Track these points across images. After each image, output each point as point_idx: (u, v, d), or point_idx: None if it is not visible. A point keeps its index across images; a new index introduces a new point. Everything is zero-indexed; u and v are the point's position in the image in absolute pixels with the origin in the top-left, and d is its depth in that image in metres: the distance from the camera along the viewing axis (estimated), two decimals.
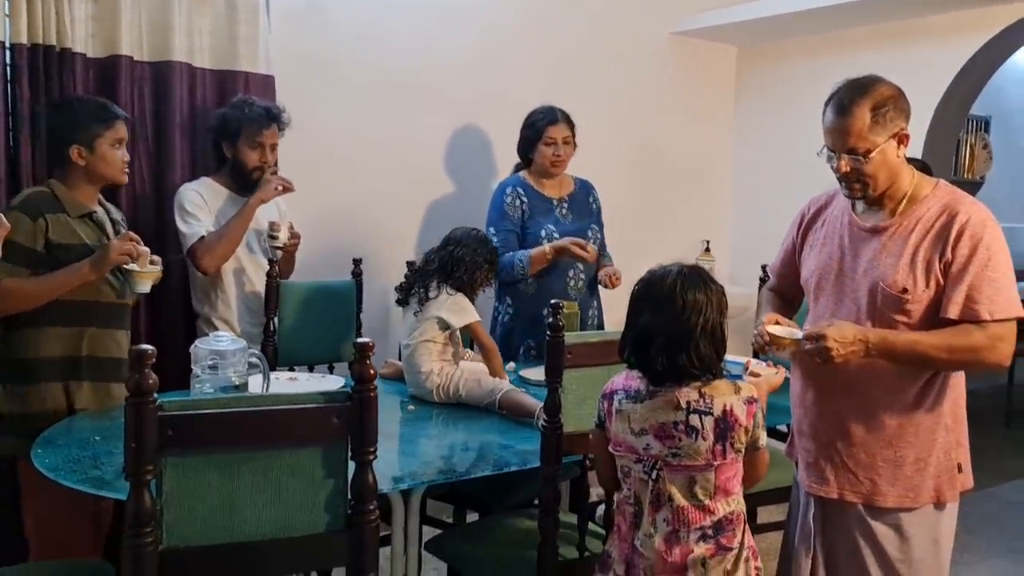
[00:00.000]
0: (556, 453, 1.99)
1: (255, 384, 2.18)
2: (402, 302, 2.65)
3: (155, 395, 1.33)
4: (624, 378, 1.80)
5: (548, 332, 2.01)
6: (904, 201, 1.94)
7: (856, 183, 1.92)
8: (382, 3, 3.51)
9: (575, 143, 3.26)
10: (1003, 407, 5.53)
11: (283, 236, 2.86)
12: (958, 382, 1.98)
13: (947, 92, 3.77)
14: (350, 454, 1.46)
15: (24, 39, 2.66)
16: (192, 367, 2.02)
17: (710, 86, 4.60)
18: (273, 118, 2.88)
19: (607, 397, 1.80)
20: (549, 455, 1.99)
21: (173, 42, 2.96)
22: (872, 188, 1.92)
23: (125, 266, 2.32)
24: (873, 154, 1.87)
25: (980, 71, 3.89)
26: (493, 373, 2.59)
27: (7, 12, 2.65)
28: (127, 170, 2.50)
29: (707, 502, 1.70)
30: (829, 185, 2.08)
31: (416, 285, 2.62)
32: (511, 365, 3.01)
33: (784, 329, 1.95)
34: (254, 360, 2.10)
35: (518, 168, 3.37)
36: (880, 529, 1.94)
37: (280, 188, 2.86)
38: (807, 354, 1.88)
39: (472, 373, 2.56)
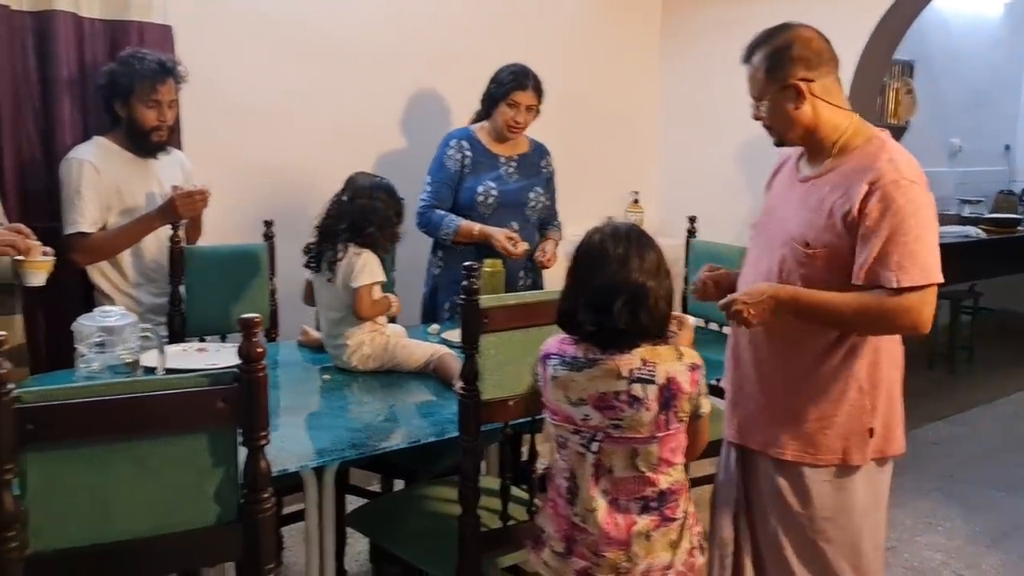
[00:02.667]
0: (474, 422, 1.91)
1: (151, 360, 2.04)
2: (314, 267, 2.49)
3: (11, 386, 1.19)
4: (559, 342, 1.71)
5: (462, 295, 1.90)
6: (834, 152, 1.88)
7: (768, 130, 1.93)
8: None
9: (539, 110, 3.15)
10: (925, 349, 5.65)
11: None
12: (883, 348, 1.90)
13: (872, 36, 3.73)
14: (241, 439, 1.34)
15: None
16: (76, 345, 1.87)
17: (635, 29, 4.49)
18: (168, 72, 2.67)
19: (543, 362, 1.72)
20: (468, 424, 1.91)
21: None
22: (777, 136, 1.93)
23: (14, 258, 2.10)
24: (763, 102, 1.88)
25: (904, 15, 3.86)
26: None
27: None
28: None
29: (649, 474, 1.64)
30: (758, 133, 2.02)
31: (325, 246, 2.45)
32: (434, 327, 2.92)
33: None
34: (148, 335, 1.96)
35: (475, 119, 3.24)
36: (782, 482, 1.93)
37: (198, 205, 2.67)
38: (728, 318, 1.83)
39: (402, 340, 2.45)
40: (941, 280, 1.77)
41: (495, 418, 1.97)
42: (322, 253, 2.46)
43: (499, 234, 2.99)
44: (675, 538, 1.68)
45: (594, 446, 1.64)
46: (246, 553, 1.37)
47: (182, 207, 2.62)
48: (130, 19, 2.89)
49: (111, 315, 1.86)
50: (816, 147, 1.90)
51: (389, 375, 2.41)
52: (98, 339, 1.83)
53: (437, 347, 2.45)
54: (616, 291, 1.61)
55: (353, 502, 2.58)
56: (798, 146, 1.95)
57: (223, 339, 2.84)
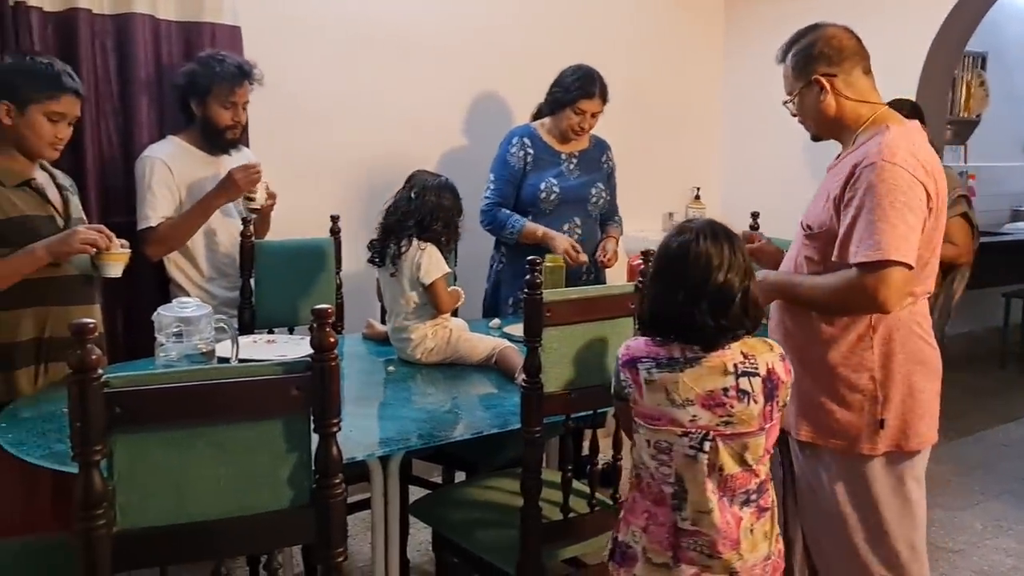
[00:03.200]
0: (537, 414, 1.93)
1: (225, 350, 2.11)
2: (377, 262, 2.54)
3: (100, 371, 1.25)
4: (644, 344, 1.66)
5: (525, 289, 1.93)
6: (853, 142, 1.97)
7: (803, 125, 2.07)
8: None
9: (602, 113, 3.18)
10: (998, 350, 5.50)
11: (260, 197, 2.76)
12: (898, 340, 1.92)
13: (942, 28, 3.65)
14: (313, 426, 1.39)
15: None
16: (156, 335, 1.94)
17: (697, 24, 4.46)
18: (246, 75, 2.76)
19: (630, 367, 1.65)
20: (530, 416, 1.93)
21: None
22: (810, 130, 2.06)
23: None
24: (792, 98, 2.03)
25: (975, 6, 3.76)
26: None
27: None
28: (59, 148, 2.28)
29: (755, 467, 1.63)
30: None
31: (389, 241, 2.49)
32: (496, 322, 2.96)
33: None
34: (222, 326, 2.03)
35: (536, 116, 3.27)
36: (803, 462, 2.02)
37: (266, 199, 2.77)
38: None
39: (465, 334, 2.50)
40: (899, 259, 1.77)
41: (557, 411, 1.99)
42: (385, 248, 2.50)
43: (562, 241, 3.03)
44: (768, 528, 1.68)
45: (706, 446, 1.58)
46: (317, 536, 1.42)
47: (241, 179, 2.69)
48: (203, 20, 2.99)
49: (188, 306, 1.94)
50: (844, 139, 2.01)
51: (452, 368, 2.46)
52: (176, 329, 1.90)
53: (499, 341, 2.49)
54: (732, 290, 1.59)
55: (415, 493, 2.63)
56: (830, 139, 2.06)
57: (290, 331, 2.92)
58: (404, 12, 3.50)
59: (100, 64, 2.81)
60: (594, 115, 3.13)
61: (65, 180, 2.41)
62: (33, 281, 2.17)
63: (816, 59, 1.96)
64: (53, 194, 2.31)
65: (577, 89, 3.08)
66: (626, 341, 1.72)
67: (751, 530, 1.63)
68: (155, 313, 1.96)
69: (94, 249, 2.16)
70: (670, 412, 1.60)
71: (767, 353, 1.64)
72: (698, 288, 1.58)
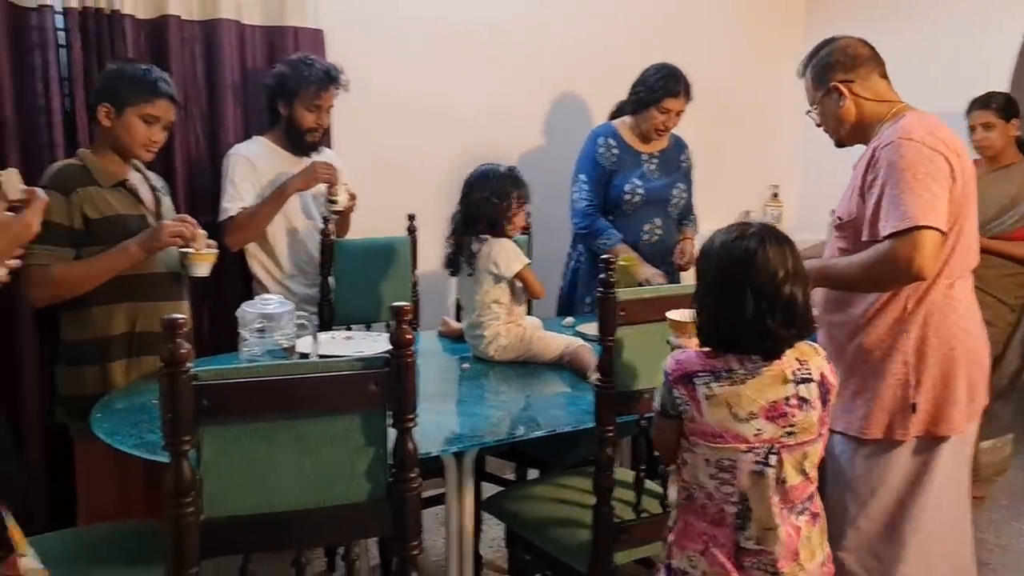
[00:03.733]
0: (610, 413, 1.93)
1: (306, 346, 2.17)
2: (453, 271, 2.57)
3: (189, 364, 1.31)
4: (697, 357, 1.58)
5: (599, 288, 1.93)
6: (877, 136, 2.01)
7: (827, 133, 2.16)
8: None
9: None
10: None
11: (342, 199, 2.83)
12: (933, 324, 1.95)
13: None
14: (390, 421, 1.42)
15: (75, 3, 2.66)
16: (240, 331, 2.01)
17: (777, 21, 4.37)
18: (332, 80, 2.84)
19: (684, 382, 1.56)
20: (603, 415, 1.93)
21: (221, 0, 2.92)
22: (833, 137, 2.15)
23: (180, 249, 2.28)
24: (814, 107, 2.14)
25: None
26: None
27: None
28: (152, 150, 2.37)
29: (811, 474, 1.59)
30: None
31: (457, 250, 2.53)
32: (569, 320, 2.97)
33: None
34: (303, 322, 2.08)
35: (615, 115, 3.26)
36: (831, 447, 2.05)
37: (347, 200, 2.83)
38: None
39: (538, 332, 2.51)
40: (929, 223, 1.80)
41: (630, 410, 1.99)
42: (456, 256, 2.54)
43: (647, 270, 3.01)
44: (820, 534, 1.65)
45: (772, 459, 1.53)
46: (393, 529, 1.45)
47: (320, 170, 2.78)
48: (286, 24, 3.07)
49: (271, 303, 2.00)
50: (868, 139, 2.05)
51: (525, 366, 2.47)
52: (259, 325, 1.97)
53: (572, 339, 2.49)
54: (799, 296, 1.54)
55: (488, 489, 2.66)
56: (853, 143, 2.12)
57: (367, 328, 2.98)
58: (483, 12, 3.53)
59: (188, 68, 2.91)
60: (678, 113, 3.11)
61: (157, 181, 2.52)
62: (124, 278, 2.26)
63: (833, 67, 2.07)
64: (146, 194, 2.41)
65: (662, 88, 3.07)
66: (671, 355, 1.63)
67: (808, 538, 1.60)
68: (239, 309, 2.03)
69: (182, 241, 2.24)
70: (734, 428, 1.53)
71: (816, 357, 1.60)
72: (771, 296, 1.51)
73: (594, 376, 1.98)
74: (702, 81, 3.29)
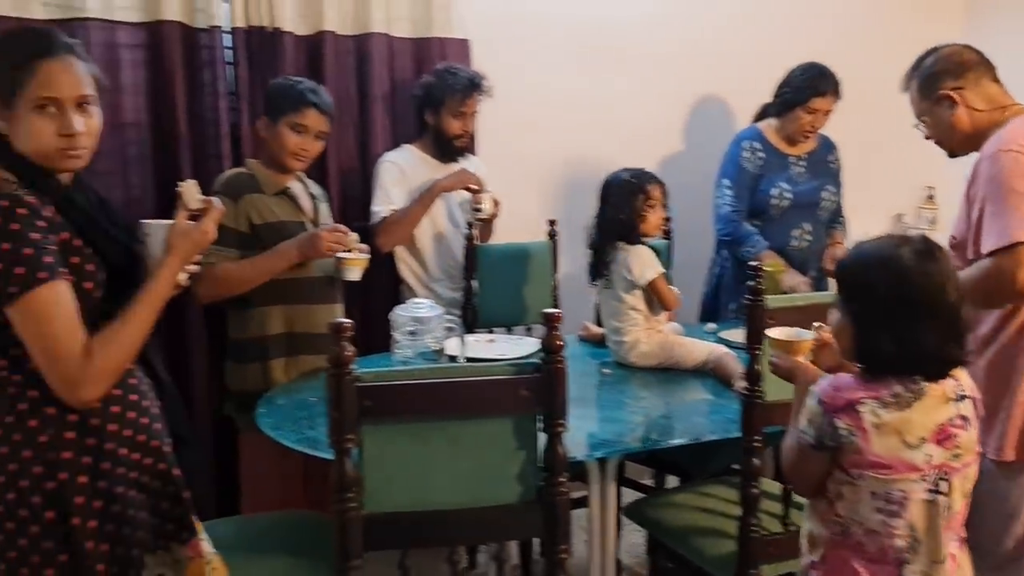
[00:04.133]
0: (758, 423, 1.89)
1: (453, 348, 2.23)
2: (594, 279, 2.60)
3: (353, 366, 1.38)
4: (855, 382, 1.46)
5: (747, 296, 1.90)
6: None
7: (939, 145, 2.14)
8: None
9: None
10: None
11: (487, 208, 2.90)
12: None
13: None
14: (541, 425, 1.45)
15: (242, 23, 2.84)
16: (392, 333, 2.09)
17: (934, 16, 4.15)
18: (476, 86, 2.91)
19: (848, 411, 1.43)
20: (750, 425, 1.90)
21: (373, 14, 3.03)
22: (946, 148, 2.13)
23: (336, 255, 2.38)
24: (923, 118, 2.11)
25: None
26: None
27: None
28: (302, 159, 2.49)
29: (967, 497, 1.51)
30: None
31: (596, 257, 2.56)
32: (711, 326, 2.93)
33: None
34: (451, 325, 2.15)
35: (760, 117, 3.21)
36: None
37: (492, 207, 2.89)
38: None
39: (679, 339, 2.50)
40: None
41: (777, 421, 1.94)
42: (595, 263, 2.57)
43: (792, 277, 2.92)
44: (967, 561, 1.57)
45: (943, 486, 1.45)
46: (543, 532, 1.48)
47: (462, 175, 2.87)
48: (433, 36, 3.16)
49: (421, 307, 2.07)
50: (981, 147, 1.99)
51: (666, 372, 2.45)
52: (410, 328, 2.04)
53: (715, 346, 2.46)
54: (965, 314, 1.46)
55: (626, 494, 2.65)
56: (968, 152, 2.07)
57: (509, 331, 3.04)
58: (625, 17, 3.52)
59: (341, 81, 3.05)
60: (826, 113, 3.02)
61: (316, 189, 2.66)
62: (283, 282, 2.40)
63: (940, 76, 2.03)
64: (306, 202, 2.55)
65: (809, 87, 2.98)
66: (826, 381, 1.49)
67: (961, 567, 1.52)
68: (392, 312, 2.12)
69: (341, 248, 2.35)
70: (905, 456, 1.43)
71: (962, 373, 1.51)
72: (947, 316, 1.42)
73: (740, 384, 1.95)
74: (852, 78, 3.18)
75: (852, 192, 3.30)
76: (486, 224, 3.01)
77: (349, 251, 2.38)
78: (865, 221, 3.84)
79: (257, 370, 2.43)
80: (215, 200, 1.65)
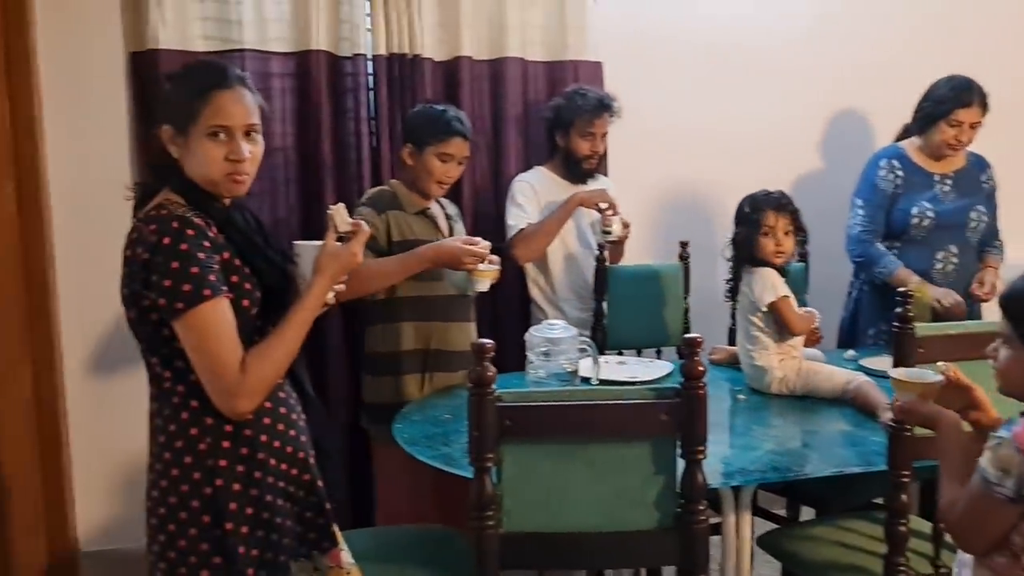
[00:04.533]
0: (907, 457, 1.81)
1: (586, 369, 2.23)
2: (729, 300, 2.57)
3: (494, 387, 1.40)
4: None
5: (896, 323, 1.82)
6: None
7: None
8: None
9: (982, 124, 2.93)
10: None
11: (616, 229, 2.90)
12: None
13: None
14: (679, 451, 1.43)
15: (383, 50, 2.96)
16: (527, 353, 2.12)
17: None
18: (605, 108, 2.93)
19: None
20: (899, 459, 1.81)
21: (508, 39, 3.10)
22: None
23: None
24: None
25: None
26: None
27: (368, 27, 2.95)
28: (445, 185, 2.56)
29: None
30: None
31: (731, 279, 2.53)
32: (851, 353, 2.82)
33: None
34: (584, 347, 2.15)
35: (902, 135, 3.10)
36: None
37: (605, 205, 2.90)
38: None
39: (816, 366, 2.41)
40: None
41: (927, 455, 1.85)
42: (732, 285, 2.54)
43: (939, 294, 2.81)
44: None
45: None
46: (681, 559, 1.46)
47: (588, 195, 2.88)
48: (566, 59, 3.20)
49: (555, 328, 2.09)
50: None
51: (803, 400, 2.38)
52: (544, 349, 2.06)
53: (855, 374, 2.36)
54: None
55: (758, 524, 2.57)
56: None
57: (638, 353, 3.01)
58: (759, 36, 3.46)
59: (477, 104, 3.12)
60: (972, 126, 2.87)
61: (452, 209, 2.74)
62: (418, 299, 2.48)
63: None
64: (443, 222, 2.64)
65: (951, 99, 2.85)
66: (1020, 427, 1.35)
67: None
68: (527, 333, 2.14)
69: (478, 261, 2.41)
70: None
71: None
72: None
73: (887, 416, 1.87)
74: (1006, 92, 3.01)
75: (1010, 213, 3.11)
76: (616, 246, 3.01)
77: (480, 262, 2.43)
78: None
79: (390, 383, 2.51)
80: (363, 224, 1.71)
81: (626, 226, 2.93)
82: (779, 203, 2.45)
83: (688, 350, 1.41)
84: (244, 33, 2.84)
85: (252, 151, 1.61)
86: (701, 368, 1.41)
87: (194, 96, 1.57)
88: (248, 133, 1.60)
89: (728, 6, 3.43)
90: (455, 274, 2.51)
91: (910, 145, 3.01)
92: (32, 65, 2.77)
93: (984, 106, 2.86)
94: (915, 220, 2.90)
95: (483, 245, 2.44)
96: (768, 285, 2.41)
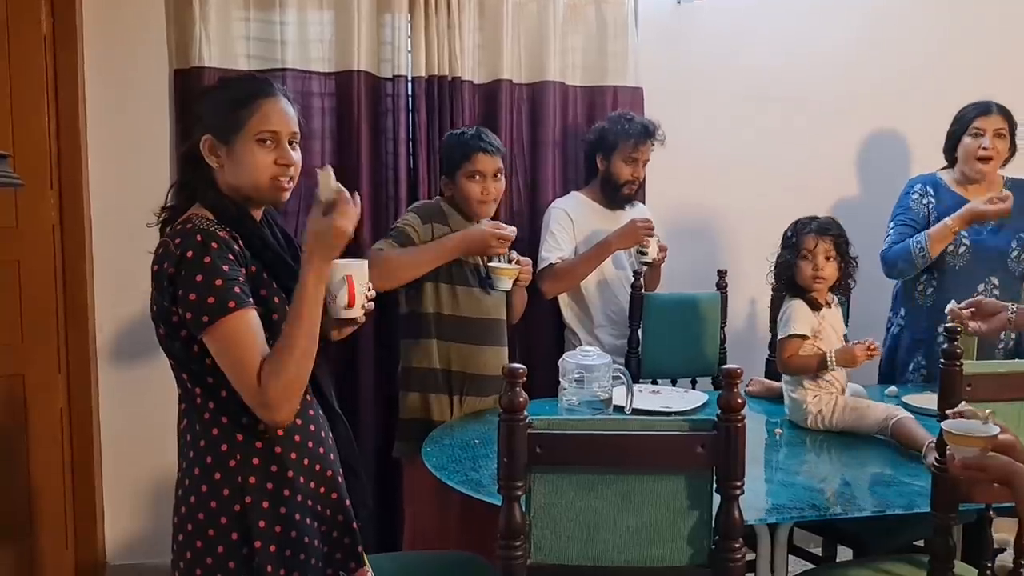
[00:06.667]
0: (951, 499, 1.74)
1: (620, 398, 2.19)
2: (772, 328, 2.51)
3: (526, 413, 1.37)
4: None
5: (942, 360, 1.76)
6: None
7: None
8: (750, 3, 3.37)
9: (1014, 143, 2.84)
10: None
11: (652, 251, 2.86)
12: None
13: None
14: (715, 486, 1.39)
15: (423, 71, 2.96)
16: (560, 379, 2.08)
17: None
18: (649, 134, 2.91)
19: None
20: (942, 501, 1.75)
21: (548, 63, 3.10)
22: None
23: (488, 263, 2.44)
24: None
25: None
26: None
27: (409, 48, 2.96)
28: (487, 201, 2.51)
29: None
30: None
31: (773, 307, 2.48)
32: (892, 389, 2.74)
33: None
34: (619, 375, 2.11)
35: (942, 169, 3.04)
36: None
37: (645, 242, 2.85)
38: None
39: (855, 401, 2.34)
40: None
41: (974, 498, 1.79)
42: (774, 313, 2.49)
43: (980, 206, 2.69)
44: None
45: None
46: None
47: (641, 229, 2.82)
48: (606, 84, 3.19)
49: (589, 354, 2.05)
50: None
51: (843, 436, 2.31)
52: (577, 375, 2.02)
53: (894, 409, 2.28)
54: None
55: (792, 563, 2.50)
56: None
57: (673, 383, 2.96)
58: (802, 61, 3.42)
59: (515, 127, 3.12)
60: (997, 134, 2.77)
61: None
62: (453, 319, 2.46)
63: None
64: None
65: (970, 110, 2.82)
66: None
67: None
68: (561, 359, 2.10)
69: (500, 247, 2.41)
70: None
71: None
72: None
73: (931, 457, 1.80)
74: None
75: None
76: (653, 270, 2.97)
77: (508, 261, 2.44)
78: None
79: (420, 401, 2.48)
80: (345, 191, 1.56)
81: (662, 249, 2.90)
82: (821, 226, 2.39)
83: (727, 381, 1.37)
84: (287, 53, 2.87)
85: (297, 159, 1.62)
86: (740, 400, 1.37)
87: (240, 104, 1.58)
88: (291, 142, 1.62)
89: (769, 36, 3.39)
90: (497, 300, 2.50)
91: (947, 175, 2.95)
92: (78, 79, 2.82)
93: (1005, 114, 2.79)
94: (951, 248, 2.81)
95: (510, 230, 2.44)
96: (787, 318, 2.37)
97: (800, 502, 1.84)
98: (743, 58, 3.38)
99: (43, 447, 2.85)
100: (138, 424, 2.94)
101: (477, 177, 2.50)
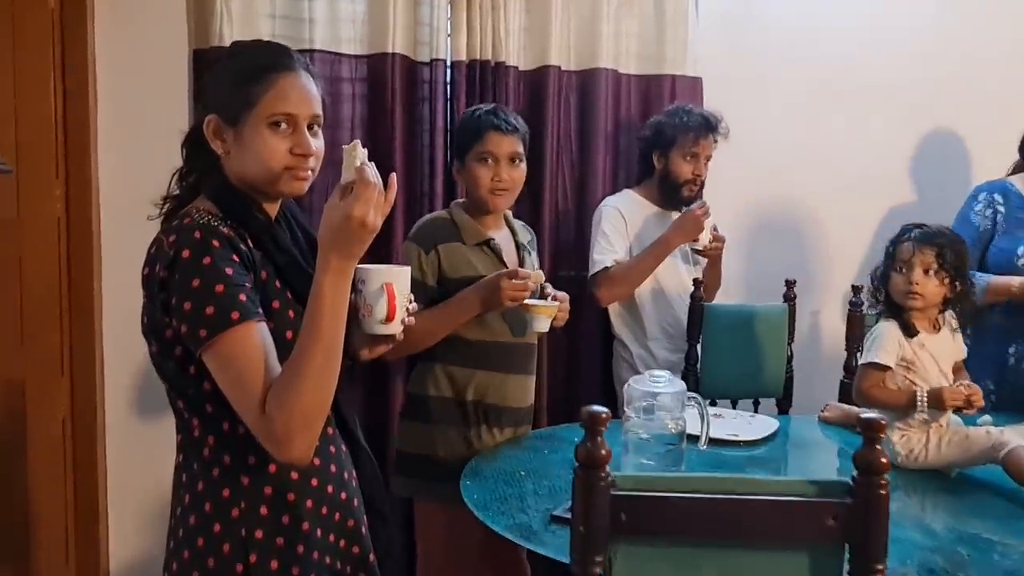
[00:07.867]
0: None
1: (692, 427, 1.89)
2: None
3: (608, 470, 1.09)
4: None
5: None
6: None
7: None
8: None
9: None
10: None
11: (704, 238, 2.59)
12: None
13: None
14: (848, 566, 1.10)
15: (463, 55, 2.70)
16: (624, 408, 1.79)
17: None
18: (712, 128, 2.63)
19: None
20: None
21: (600, 49, 2.84)
22: None
23: (523, 301, 2.04)
24: None
25: None
26: None
27: (449, 30, 2.69)
28: (499, 192, 2.12)
29: None
30: None
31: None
32: (986, 418, 2.43)
33: None
34: (693, 403, 1.83)
35: (1016, 169, 2.73)
36: None
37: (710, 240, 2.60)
38: None
39: (952, 431, 2.03)
40: None
41: None
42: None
43: None
44: None
45: None
46: None
47: (700, 214, 2.57)
48: (663, 73, 2.91)
49: (660, 381, 1.76)
50: None
51: (948, 478, 2.01)
52: (645, 404, 1.74)
53: (998, 436, 1.97)
54: None
55: None
56: None
57: (733, 405, 2.67)
58: (872, 53, 3.12)
59: (562, 118, 2.86)
60: None
61: (524, 236, 2.31)
62: (478, 344, 2.12)
63: None
64: (510, 254, 2.22)
65: None
66: None
67: None
68: (626, 385, 1.81)
69: (522, 299, 2.02)
70: None
71: None
72: None
73: None
74: None
75: None
76: (712, 266, 2.71)
77: (543, 297, 2.08)
78: None
79: (424, 432, 2.13)
80: (367, 170, 1.23)
81: (719, 239, 2.62)
82: (924, 234, 2.06)
83: (868, 433, 1.07)
84: (315, 32, 2.61)
85: (318, 147, 1.34)
86: (884, 460, 1.07)
87: (252, 79, 1.30)
88: (311, 126, 1.34)
89: (838, 26, 3.10)
90: (517, 321, 2.14)
91: (1020, 180, 2.65)
92: (88, 58, 2.57)
93: None
94: (1021, 260, 2.53)
95: (532, 276, 2.04)
96: (872, 342, 2.06)
97: (912, 563, 1.54)
98: (810, 47, 3.08)
99: (44, 458, 2.62)
100: (146, 435, 2.69)
101: (489, 160, 2.10)
